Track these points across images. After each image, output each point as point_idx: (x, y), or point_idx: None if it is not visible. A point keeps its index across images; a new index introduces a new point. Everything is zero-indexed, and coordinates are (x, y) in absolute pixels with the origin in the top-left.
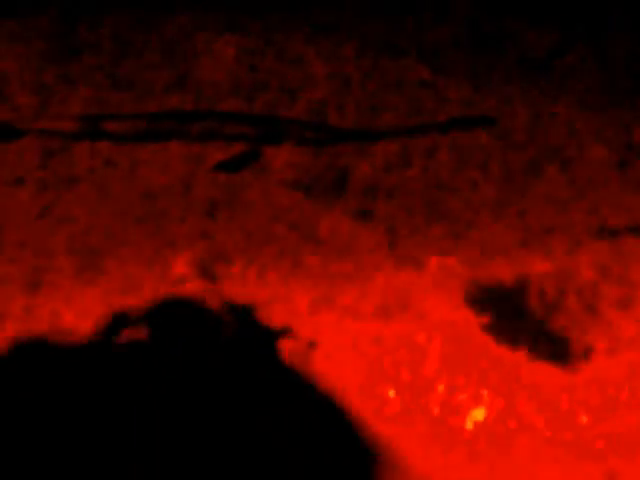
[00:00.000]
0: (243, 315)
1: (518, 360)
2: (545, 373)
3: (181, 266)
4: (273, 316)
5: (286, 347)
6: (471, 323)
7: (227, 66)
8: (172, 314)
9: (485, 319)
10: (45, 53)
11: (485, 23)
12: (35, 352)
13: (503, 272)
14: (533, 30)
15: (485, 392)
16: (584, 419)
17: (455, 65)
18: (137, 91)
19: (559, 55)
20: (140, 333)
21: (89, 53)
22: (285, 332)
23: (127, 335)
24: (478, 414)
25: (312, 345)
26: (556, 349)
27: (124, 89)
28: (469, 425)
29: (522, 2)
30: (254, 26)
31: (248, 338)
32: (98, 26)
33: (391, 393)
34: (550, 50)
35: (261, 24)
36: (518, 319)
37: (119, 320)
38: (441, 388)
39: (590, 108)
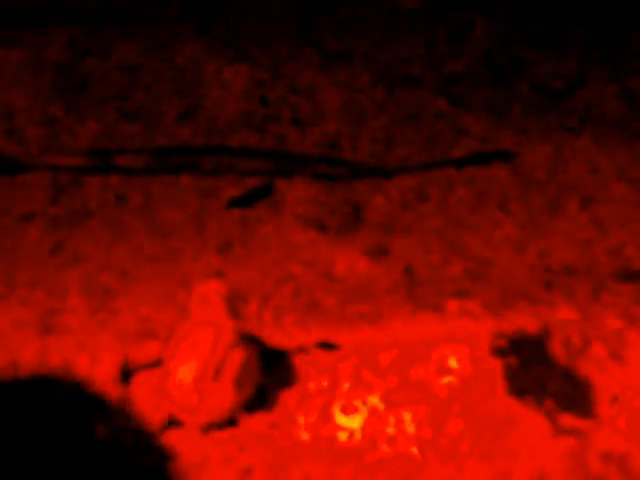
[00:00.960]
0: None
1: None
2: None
3: None
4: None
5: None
6: (495, 377)
7: (237, 97)
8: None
9: (508, 371)
10: (53, 85)
11: (501, 53)
12: (47, 399)
13: (525, 318)
14: (550, 59)
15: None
16: None
17: (472, 97)
18: (147, 123)
19: (578, 85)
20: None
21: (98, 84)
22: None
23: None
24: None
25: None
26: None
27: (133, 121)
28: None
29: (537, 31)
30: (264, 55)
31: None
32: (107, 56)
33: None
34: (568, 80)
35: (271, 53)
36: (542, 368)
37: (133, 366)
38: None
39: (612, 143)
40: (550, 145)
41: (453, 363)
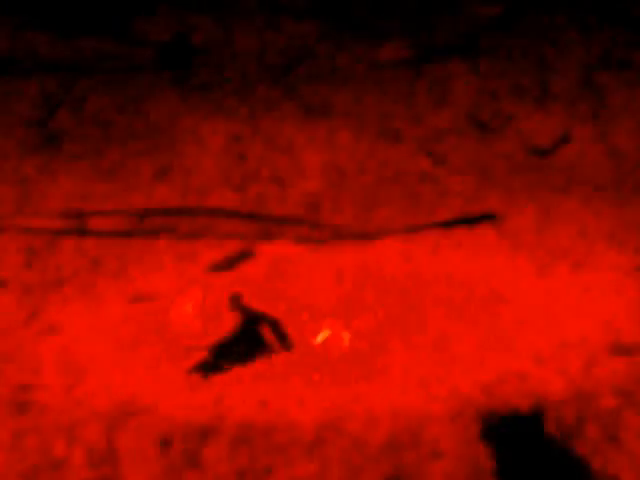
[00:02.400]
0: None
1: None
2: None
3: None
4: None
5: None
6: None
7: (215, 154)
8: None
9: (499, 457)
10: (25, 141)
11: (485, 107)
12: None
13: (518, 397)
14: (535, 114)
15: None
16: None
17: (456, 154)
18: (121, 182)
19: (564, 142)
20: None
21: (71, 140)
22: None
23: None
24: None
25: None
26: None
27: (108, 180)
28: None
29: (521, 83)
30: (241, 109)
31: None
32: (80, 110)
33: None
34: (554, 136)
35: (248, 105)
36: (536, 450)
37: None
38: None
39: (600, 205)
40: (537, 206)
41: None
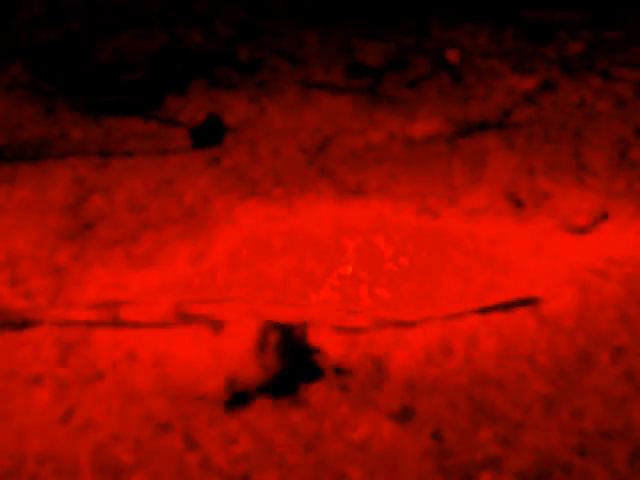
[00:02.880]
0: None
1: None
2: None
3: None
4: None
5: None
6: None
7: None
8: None
9: None
10: (58, 228)
11: (521, 185)
12: None
13: None
14: (572, 192)
15: None
16: None
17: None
18: (157, 269)
19: (602, 219)
20: None
21: (104, 226)
22: None
23: None
24: None
25: None
26: None
27: (143, 268)
28: None
29: (557, 159)
30: (276, 189)
31: None
32: (113, 193)
33: None
34: (592, 215)
35: (283, 187)
36: None
37: None
38: None
39: None
40: (576, 288)
41: None
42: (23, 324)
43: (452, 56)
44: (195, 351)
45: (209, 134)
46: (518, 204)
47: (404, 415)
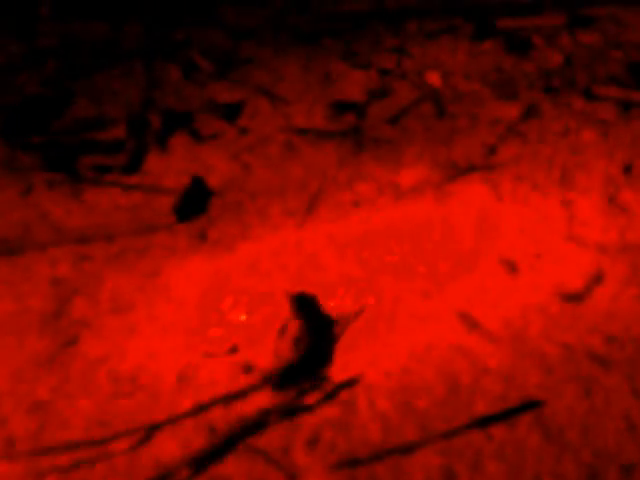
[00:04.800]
0: None
1: None
2: None
3: None
4: None
5: None
6: None
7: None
8: None
9: None
10: (38, 352)
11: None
12: None
13: None
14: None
15: None
16: None
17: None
18: (144, 393)
19: (597, 283)
20: None
21: (88, 338)
22: None
23: None
24: None
25: None
26: None
27: (129, 396)
28: None
29: (548, 214)
30: None
31: None
32: (96, 294)
33: None
34: (585, 275)
35: None
36: None
37: None
38: None
39: None
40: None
41: None
42: None
43: (433, 79)
44: None
45: (194, 201)
46: (512, 268)
47: None
